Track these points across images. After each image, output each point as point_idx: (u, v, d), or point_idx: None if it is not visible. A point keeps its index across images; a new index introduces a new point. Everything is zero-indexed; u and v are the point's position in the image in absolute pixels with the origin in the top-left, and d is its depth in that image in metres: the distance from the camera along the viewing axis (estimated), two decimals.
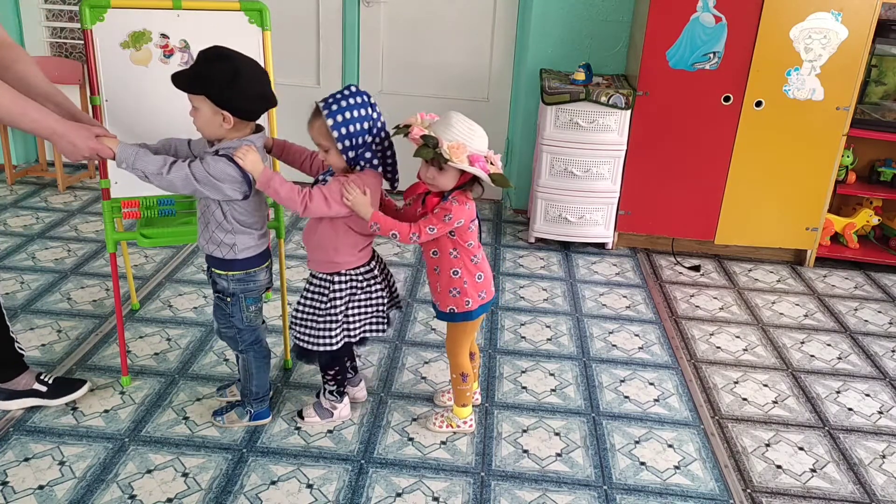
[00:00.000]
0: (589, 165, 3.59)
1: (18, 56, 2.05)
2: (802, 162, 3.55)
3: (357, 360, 2.51)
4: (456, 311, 2.20)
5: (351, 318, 2.19)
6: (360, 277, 2.17)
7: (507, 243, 3.88)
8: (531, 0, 3.83)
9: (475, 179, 2.06)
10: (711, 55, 3.40)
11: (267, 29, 2.32)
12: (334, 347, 2.18)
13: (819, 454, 2.38)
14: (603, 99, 3.45)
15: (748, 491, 2.20)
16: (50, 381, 2.35)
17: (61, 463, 2.13)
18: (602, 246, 3.86)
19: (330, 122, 1.95)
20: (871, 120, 3.59)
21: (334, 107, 1.96)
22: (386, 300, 2.26)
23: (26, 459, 2.13)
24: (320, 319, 2.16)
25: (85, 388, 2.38)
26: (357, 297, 2.18)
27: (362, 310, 2.21)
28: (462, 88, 4.15)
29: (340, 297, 2.15)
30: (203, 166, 1.94)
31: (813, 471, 2.31)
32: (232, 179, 1.96)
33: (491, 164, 2.05)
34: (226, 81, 1.89)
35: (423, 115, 2.09)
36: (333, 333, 2.16)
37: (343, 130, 1.96)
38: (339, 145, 1.98)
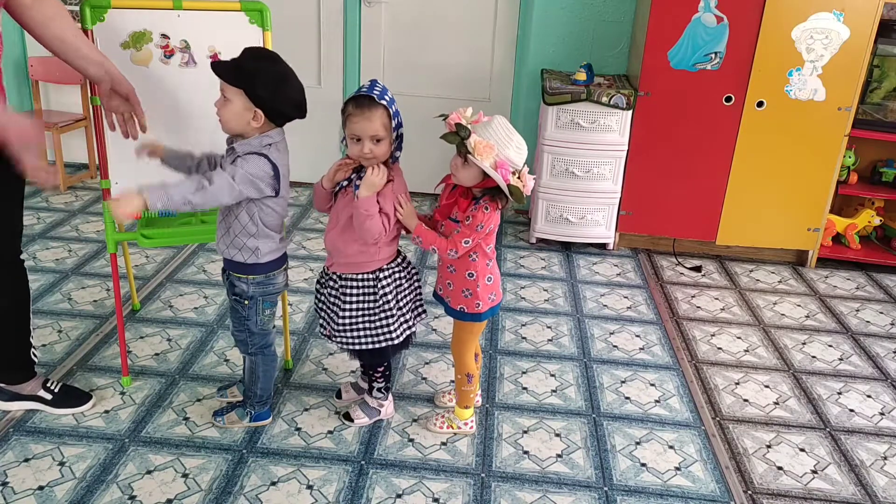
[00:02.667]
0: (590, 166, 3.59)
1: (56, 12, 1.99)
2: (804, 162, 3.54)
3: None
4: (466, 310, 2.20)
5: (404, 309, 2.21)
6: (399, 268, 2.18)
7: (509, 244, 3.87)
8: (532, 0, 3.83)
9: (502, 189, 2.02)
10: (713, 55, 3.40)
11: (268, 29, 2.32)
12: (397, 341, 2.18)
13: (820, 455, 2.38)
14: (604, 99, 3.45)
15: (749, 492, 2.19)
16: (56, 389, 2.33)
17: (61, 463, 2.12)
18: (603, 246, 3.86)
19: (391, 110, 1.97)
20: (872, 120, 3.58)
21: (387, 97, 1.97)
22: (419, 283, 2.29)
23: (26, 460, 2.13)
24: (375, 318, 2.16)
25: (90, 404, 2.35)
26: (402, 287, 2.20)
27: (409, 297, 2.23)
28: (463, 88, 4.15)
29: (390, 291, 2.15)
30: (240, 166, 1.93)
31: (814, 472, 2.30)
32: (265, 175, 1.96)
33: (518, 177, 2.01)
34: (271, 82, 1.90)
35: (479, 113, 2.05)
36: (393, 328, 2.17)
37: (397, 120, 2.00)
38: (394, 134, 2.00)
